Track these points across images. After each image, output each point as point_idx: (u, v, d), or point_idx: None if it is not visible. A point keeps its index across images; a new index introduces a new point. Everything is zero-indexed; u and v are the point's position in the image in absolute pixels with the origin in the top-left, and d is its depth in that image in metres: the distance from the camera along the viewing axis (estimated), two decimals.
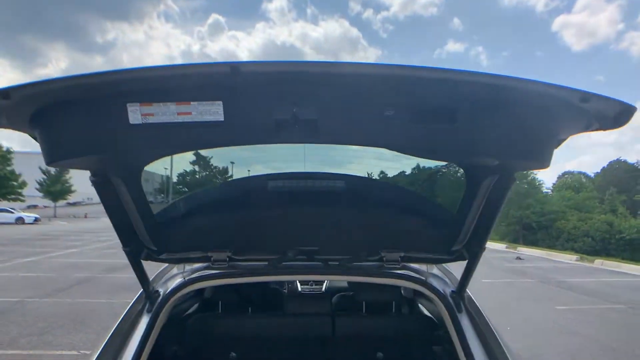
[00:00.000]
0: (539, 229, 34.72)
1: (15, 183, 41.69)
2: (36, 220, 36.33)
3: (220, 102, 1.07)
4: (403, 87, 1.10)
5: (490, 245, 22.71)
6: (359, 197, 1.91)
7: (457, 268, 2.17)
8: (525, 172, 38.70)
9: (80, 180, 58.62)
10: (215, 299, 2.88)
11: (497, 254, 20.40)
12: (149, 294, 1.94)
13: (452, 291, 2.01)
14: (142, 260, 1.89)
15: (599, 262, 16.84)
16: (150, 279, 2.04)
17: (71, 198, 53.96)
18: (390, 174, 2.23)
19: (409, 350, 2.44)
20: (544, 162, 1.25)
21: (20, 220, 35.08)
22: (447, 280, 2.16)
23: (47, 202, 53.62)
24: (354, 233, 1.95)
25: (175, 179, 3.30)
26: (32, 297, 8.52)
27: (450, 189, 2.06)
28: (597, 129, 1.18)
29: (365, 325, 2.59)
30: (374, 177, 2.14)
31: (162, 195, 3.78)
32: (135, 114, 1.08)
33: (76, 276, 10.94)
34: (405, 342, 2.47)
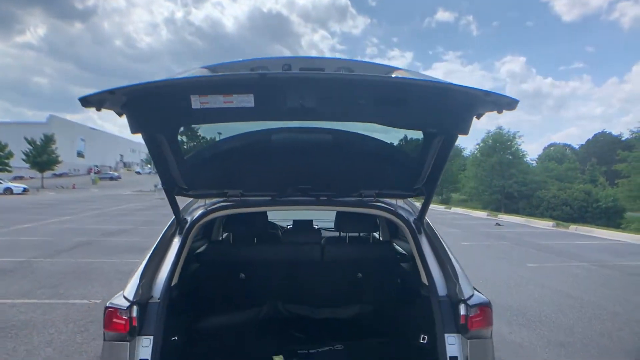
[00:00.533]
0: (521, 198, 35.91)
1: (1, 153, 41.34)
2: (25, 190, 36.35)
3: (252, 95, 1.61)
4: (371, 88, 1.68)
5: (472, 213, 23.68)
6: (343, 147, 2.41)
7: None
8: (509, 143, 39.72)
9: (65, 152, 58.29)
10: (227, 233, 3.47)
11: (478, 221, 21.30)
12: (179, 220, 2.45)
13: (414, 219, 2.56)
14: (175, 196, 2.39)
15: (574, 228, 17.78)
16: (180, 210, 2.54)
17: (57, 169, 53.69)
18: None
19: (383, 269, 3.02)
20: (465, 131, 1.90)
21: (8, 191, 35.10)
22: (410, 210, 2.71)
23: (33, 173, 53.32)
24: (339, 175, 2.48)
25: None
26: (37, 257, 9.01)
27: (414, 146, 2.58)
28: (496, 111, 1.71)
29: (348, 251, 3.17)
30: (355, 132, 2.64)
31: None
32: (196, 102, 1.61)
33: (75, 240, 11.42)
34: (379, 263, 3.05)
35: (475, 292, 2.11)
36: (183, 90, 1.62)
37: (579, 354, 4.56)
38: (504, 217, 23.14)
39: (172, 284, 2.21)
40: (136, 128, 1.80)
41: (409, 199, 2.83)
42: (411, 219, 2.55)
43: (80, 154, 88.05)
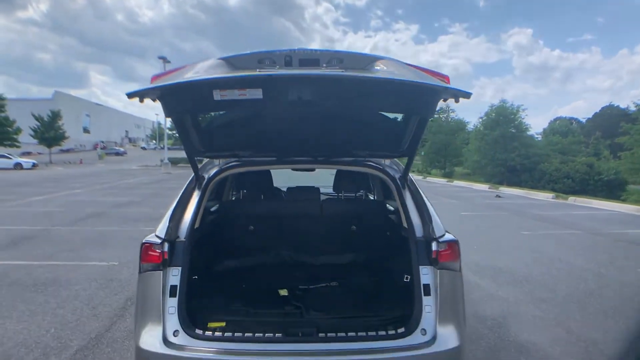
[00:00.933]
0: (523, 171, 36.08)
1: (10, 129, 41.77)
2: (34, 165, 36.93)
3: (261, 89, 2.00)
4: (356, 84, 2.06)
5: (473, 186, 24.00)
6: (337, 116, 2.75)
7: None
8: (512, 116, 39.63)
9: (70, 127, 58.69)
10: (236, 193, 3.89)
11: (479, 193, 21.67)
12: (198, 177, 2.84)
13: (399, 176, 2.92)
14: (195, 157, 2.76)
15: (572, 199, 18.13)
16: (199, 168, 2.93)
17: (64, 144, 54.24)
18: None
19: (375, 222, 3.41)
20: (431, 114, 2.34)
21: (18, 166, 35.68)
22: (397, 169, 3.08)
23: (40, 149, 53.91)
24: (335, 139, 2.84)
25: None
26: (55, 226, 9.51)
27: (398, 118, 2.92)
28: (453, 99, 2.05)
29: (344, 208, 3.58)
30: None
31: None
32: (217, 95, 2.01)
33: (88, 211, 11.91)
34: (371, 218, 3.44)
35: (447, 233, 2.49)
36: (208, 87, 2.01)
37: (558, 307, 4.98)
38: (505, 190, 23.48)
39: (195, 227, 2.62)
40: (169, 113, 2.25)
41: (395, 159, 3.21)
42: (397, 175, 2.92)
43: (85, 130, 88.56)
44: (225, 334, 2.19)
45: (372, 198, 4.32)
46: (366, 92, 2.11)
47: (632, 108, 31.69)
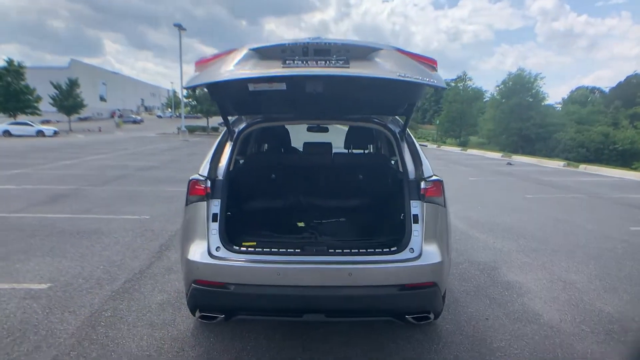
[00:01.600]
0: (538, 140, 35.99)
1: (30, 97, 42.74)
2: (55, 133, 37.93)
3: (284, 83, 2.67)
4: (357, 80, 2.64)
5: (486, 154, 24.30)
6: (347, 84, 3.26)
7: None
8: (529, 85, 39.11)
9: (87, 96, 59.53)
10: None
11: (492, 161, 21.97)
12: (230, 131, 3.39)
13: (399, 130, 3.45)
14: (227, 116, 3.33)
15: (583, 167, 18.36)
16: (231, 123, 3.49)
17: (82, 113, 55.25)
18: None
19: (378, 172, 3.97)
20: (418, 98, 3.09)
21: (40, 133, 36.72)
22: (396, 125, 3.60)
23: (59, 117, 55.04)
24: (344, 105, 3.39)
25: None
26: (85, 185, 10.26)
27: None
28: (434, 89, 2.60)
29: (352, 160, 4.16)
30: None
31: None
32: (251, 87, 2.67)
33: (114, 173, 12.67)
34: (376, 169, 4.01)
35: (434, 175, 3.03)
36: (245, 83, 2.65)
37: (547, 256, 5.52)
38: (517, 158, 23.70)
39: (230, 170, 3.20)
40: (214, 97, 3.05)
41: (396, 117, 3.73)
42: (397, 130, 3.45)
43: (102, 98, 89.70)
44: (256, 249, 2.79)
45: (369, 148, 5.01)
46: (365, 84, 2.73)
47: None
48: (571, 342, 3.35)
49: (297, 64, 2.57)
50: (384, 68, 2.58)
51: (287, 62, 2.58)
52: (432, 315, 2.97)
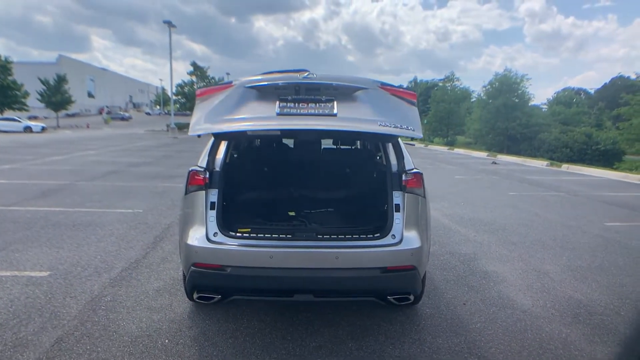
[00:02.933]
0: (523, 140, 36.66)
1: (18, 93, 42.24)
2: (43, 129, 37.60)
3: (279, 132, 3.16)
4: (341, 132, 3.30)
5: (472, 153, 24.68)
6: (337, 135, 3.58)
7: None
8: (516, 86, 39.80)
9: (75, 92, 58.94)
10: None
11: (477, 160, 22.38)
12: None
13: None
14: None
15: (565, 167, 18.84)
16: None
17: (70, 109, 54.73)
18: None
19: (365, 167, 4.22)
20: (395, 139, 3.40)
21: (28, 129, 36.37)
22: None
23: (46, 113, 54.44)
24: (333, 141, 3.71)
25: None
26: (78, 181, 10.37)
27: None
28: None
29: (340, 155, 4.41)
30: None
31: None
32: (250, 132, 3.05)
33: (105, 169, 12.76)
34: (362, 163, 4.26)
35: (415, 168, 3.28)
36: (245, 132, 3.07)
37: (524, 248, 5.82)
38: (502, 157, 24.17)
39: (226, 162, 3.41)
40: (218, 138, 3.33)
41: None
42: None
43: (90, 95, 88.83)
44: (251, 235, 3.02)
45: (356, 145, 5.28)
46: (349, 134, 3.30)
47: (634, 77, 31.81)
48: (541, 324, 3.63)
49: (290, 107, 2.93)
50: (366, 113, 2.93)
51: (281, 104, 2.93)
52: (411, 297, 3.23)
